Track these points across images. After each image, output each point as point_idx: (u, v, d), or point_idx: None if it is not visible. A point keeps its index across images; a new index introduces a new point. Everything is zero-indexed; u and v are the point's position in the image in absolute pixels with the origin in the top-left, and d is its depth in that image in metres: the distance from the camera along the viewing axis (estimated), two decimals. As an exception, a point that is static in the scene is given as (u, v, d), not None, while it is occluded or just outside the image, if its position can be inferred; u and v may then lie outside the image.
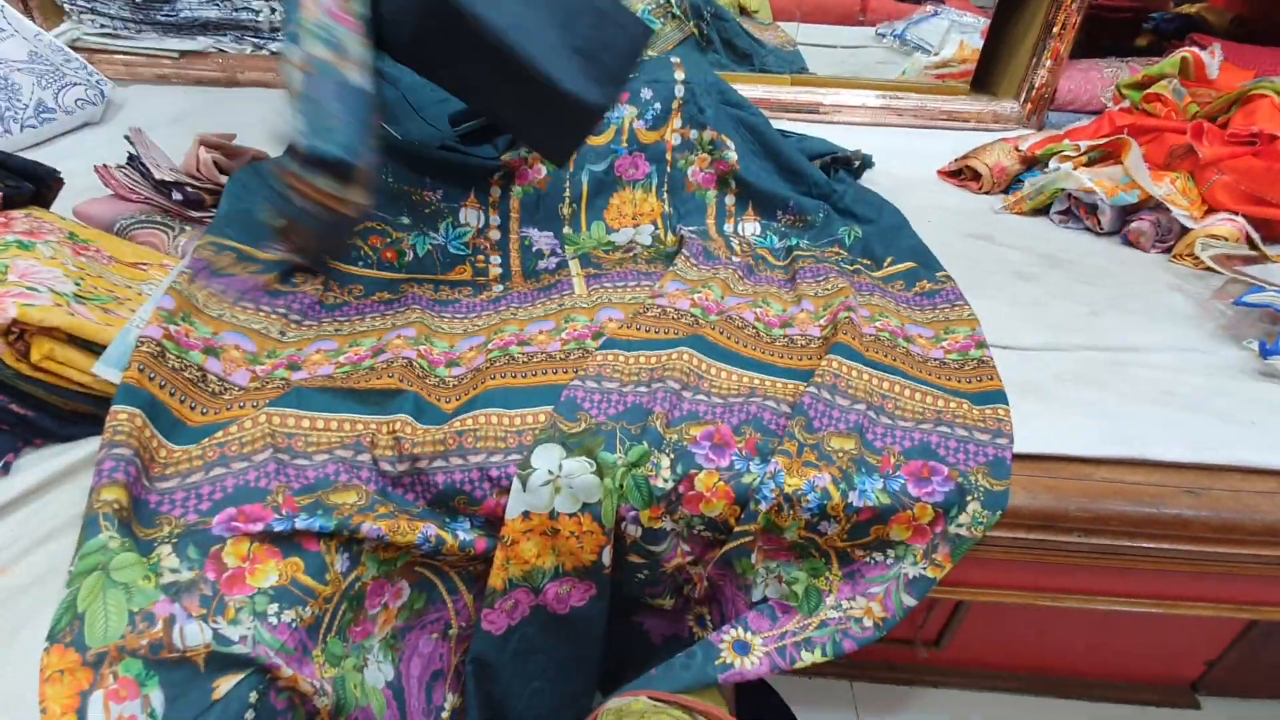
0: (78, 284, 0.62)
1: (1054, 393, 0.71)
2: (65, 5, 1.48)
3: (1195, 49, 1.24)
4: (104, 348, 0.58)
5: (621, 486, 0.59)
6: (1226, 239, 1.02)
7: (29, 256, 0.61)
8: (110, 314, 0.61)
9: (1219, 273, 0.95)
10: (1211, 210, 1.07)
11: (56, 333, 0.56)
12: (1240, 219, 1.03)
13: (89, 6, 1.46)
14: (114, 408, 0.54)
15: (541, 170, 0.91)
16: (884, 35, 2.10)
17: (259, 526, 0.50)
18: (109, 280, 0.66)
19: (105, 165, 0.93)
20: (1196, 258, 1.00)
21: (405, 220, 0.85)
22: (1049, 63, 1.36)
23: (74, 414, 0.60)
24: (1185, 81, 1.22)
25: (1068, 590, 0.68)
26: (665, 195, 0.96)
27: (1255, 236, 1.02)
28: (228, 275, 0.71)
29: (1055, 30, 1.33)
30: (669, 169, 0.96)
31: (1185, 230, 1.05)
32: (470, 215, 0.89)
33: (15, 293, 0.56)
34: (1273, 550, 0.58)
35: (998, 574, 0.65)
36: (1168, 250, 1.06)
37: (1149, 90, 1.21)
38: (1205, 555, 0.59)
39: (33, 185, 0.72)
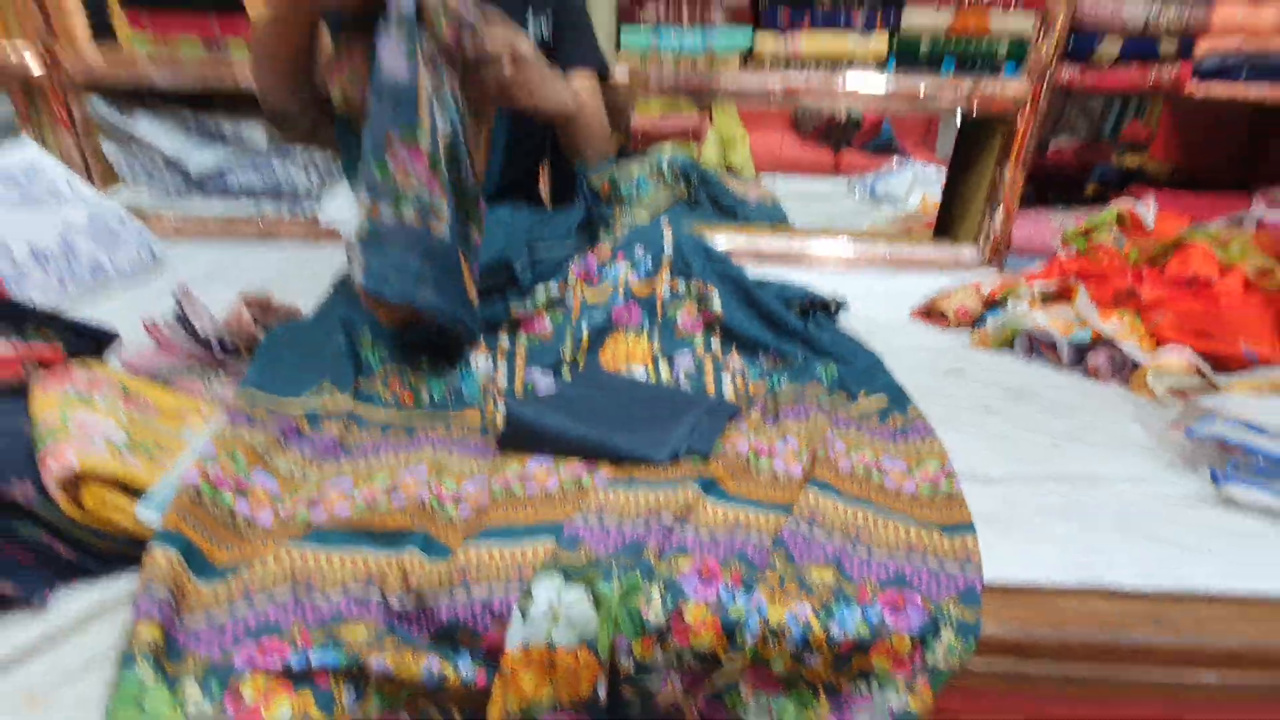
0: (128, 434, 0.69)
1: (1020, 523, 0.76)
2: (124, 175, 1.68)
3: (1130, 203, 1.40)
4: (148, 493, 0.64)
5: (616, 618, 0.63)
6: (1177, 371, 1.10)
7: (86, 409, 0.69)
8: (155, 462, 0.68)
9: (1174, 403, 1.03)
10: (1161, 344, 1.16)
11: (108, 480, 0.63)
12: (1188, 351, 1.12)
13: (147, 175, 1.65)
14: (152, 549, 0.59)
15: (547, 323, 1.01)
16: (856, 188, 2.34)
17: (277, 662, 0.54)
18: (155, 430, 0.73)
19: (153, 321, 1.04)
20: (1151, 389, 1.08)
21: (423, 364, 0.95)
22: (1001, 215, 1.51)
23: (113, 555, 0.65)
24: (1124, 230, 1.37)
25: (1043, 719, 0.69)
26: (657, 339, 1.06)
27: (1204, 368, 1.10)
28: (261, 422, 0.79)
29: (1004, 188, 1.49)
30: (660, 316, 1.07)
31: (1138, 364, 1.13)
32: (481, 360, 0.98)
33: (76, 443, 0.63)
34: (1236, 675, 0.61)
35: (977, 703, 0.66)
36: (1126, 382, 1.14)
37: (1092, 239, 1.35)
38: (1171, 682, 0.61)
39: (93, 343, 0.82)
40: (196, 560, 0.62)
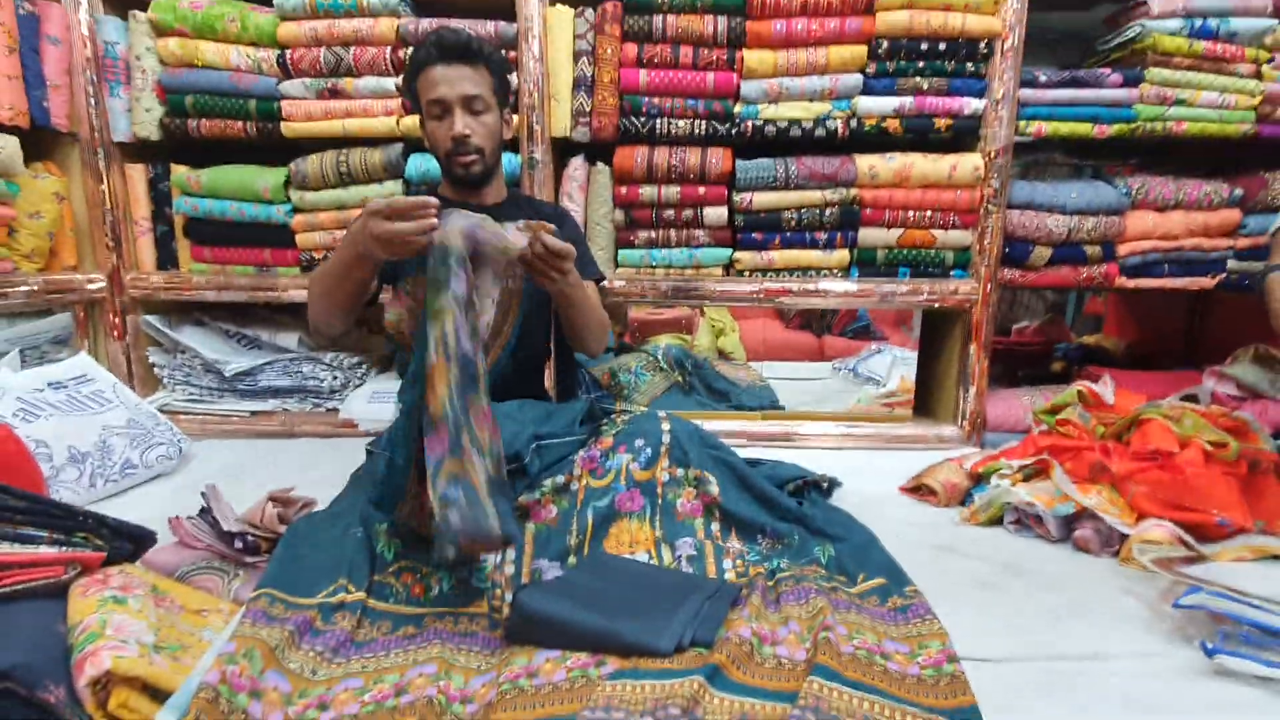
0: (156, 633, 0.72)
1: (1024, 705, 0.76)
2: (164, 379, 1.81)
3: (1088, 383, 1.52)
4: (170, 694, 0.66)
5: None
6: (1160, 542, 1.14)
7: (122, 611, 0.73)
8: (179, 662, 0.70)
9: (1162, 575, 1.06)
10: (1142, 516, 1.20)
11: (136, 682, 0.65)
12: (1169, 523, 1.17)
13: (185, 380, 1.79)
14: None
15: (554, 510, 1.07)
16: (840, 369, 2.51)
17: None
18: (180, 629, 0.76)
19: (177, 517, 1.09)
20: (1139, 561, 1.11)
21: (435, 560, 0.99)
22: (973, 394, 1.63)
23: (125, 763, 0.65)
24: (1087, 407, 1.47)
25: None
26: (658, 523, 1.11)
27: (1188, 539, 1.14)
28: (279, 619, 0.82)
29: (971, 370, 1.63)
30: (660, 501, 1.13)
31: (1124, 535, 1.17)
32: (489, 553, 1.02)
33: (110, 645, 0.66)
34: None
35: None
36: (1115, 553, 1.17)
37: (1060, 416, 1.45)
38: None
39: (131, 545, 0.87)
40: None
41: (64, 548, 0.79)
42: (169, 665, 0.69)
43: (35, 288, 1.60)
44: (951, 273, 1.63)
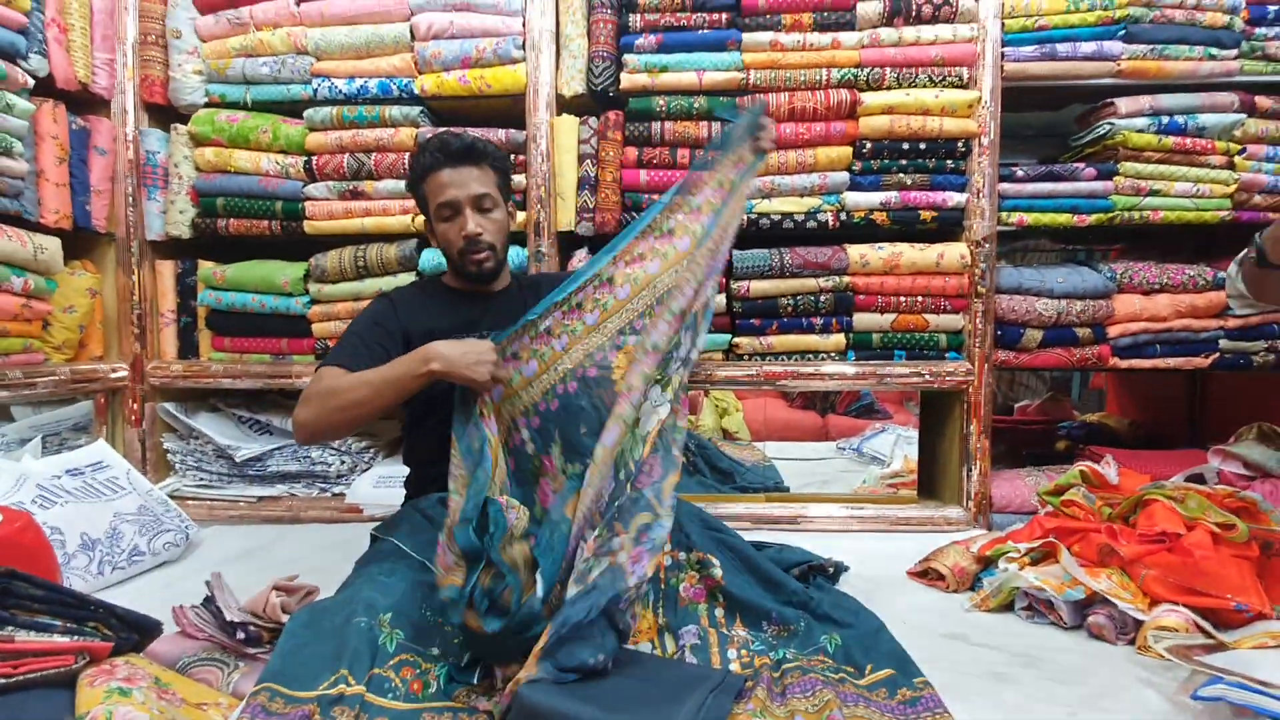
0: (157, 728, 0.72)
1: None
2: (176, 465, 1.85)
3: (1090, 463, 1.52)
4: (167, 792, 0.66)
5: None
6: (1176, 629, 1.11)
7: (126, 703, 0.73)
8: (178, 756, 0.70)
9: (1181, 663, 1.03)
10: (1155, 601, 1.18)
11: (134, 779, 0.65)
12: (1183, 609, 1.14)
13: (196, 465, 1.82)
14: None
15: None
16: (844, 449, 2.51)
17: None
18: (180, 722, 0.76)
19: (180, 606, 1.09)
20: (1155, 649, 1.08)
21: (435, 651, 0.98)
22: (977, 474, 1.63)
23: None
24: (1091, 488, 1.47)
25: None
26: (660, 610, 1.10)
27: (1206, 625, 1.11)
28: (278, 715, 0.81)
29: (973, 450, 1.64)
30: (663, 586, 1.12)
31: (1139, 621, 1.15)
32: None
33: (112, 740, 0.66)
34: None
35: None
36: (1132, 641, 1.14)
37: (1065, 496, 1.45)
38: None
39: (137, 636, 0.87)
40: None
41: (75, 637, 0.80)
42: (168, 761, 0.69)
43: (62, 378, 1.66)
44: (946, 354, 1.67)
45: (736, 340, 1.68)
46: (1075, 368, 1.72)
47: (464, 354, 1.09)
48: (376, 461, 1.86)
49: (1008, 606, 1.27)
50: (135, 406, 1.81)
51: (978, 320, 1.63)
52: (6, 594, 0.78)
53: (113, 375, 1.77)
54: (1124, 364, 1.71)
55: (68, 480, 1.44)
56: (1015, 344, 1.67)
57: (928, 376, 1.64)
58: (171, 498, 1.60)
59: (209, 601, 1.10)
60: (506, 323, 1.41)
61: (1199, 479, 1.54)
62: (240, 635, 1.02)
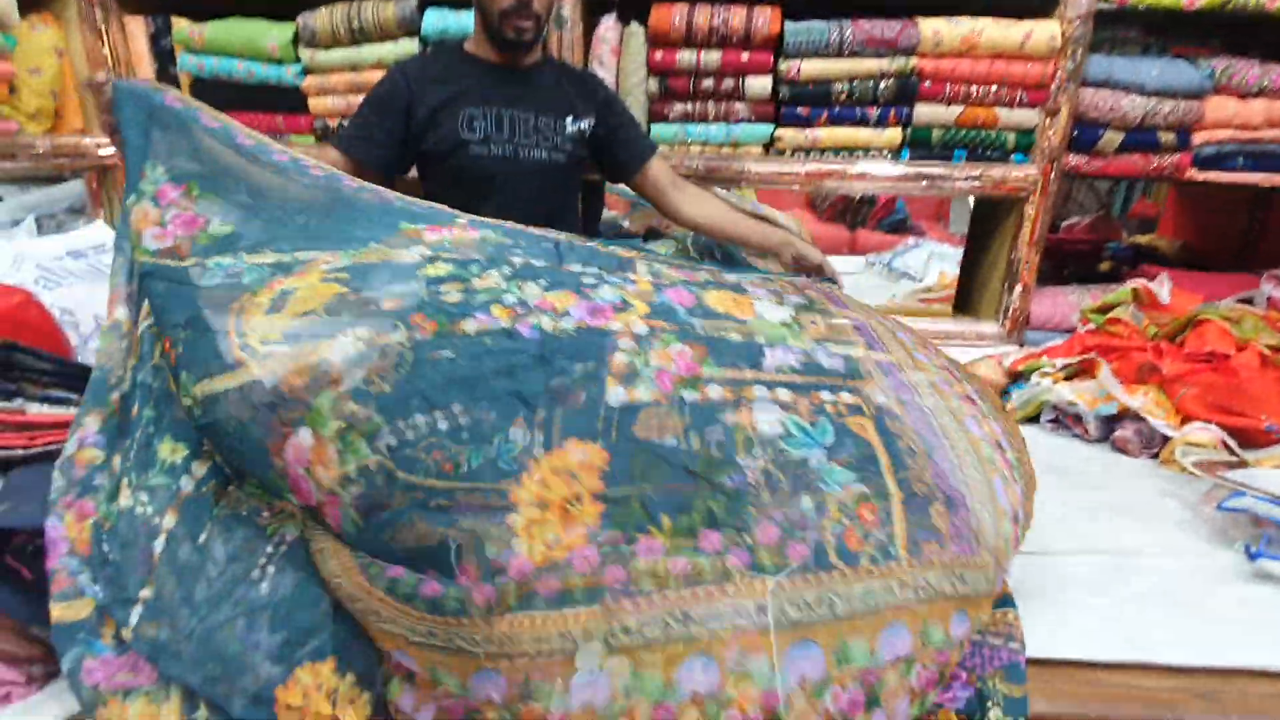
0: (193, 496, 0.72)
1: (1059, 597, 0.75)
2: (183, 252, 1.78)
3: (1145, 281, 1.43)
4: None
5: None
6: (1205, 446, 1.10)
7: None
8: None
9: (1202, 478, 1.03)
10: (1187, 419, 1.17)
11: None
12: (1214, 427, 1.13)
13: (203, 254, 1.75)
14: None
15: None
16: (873, 264, 2.42)
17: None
18: (216, 492, 0.76)
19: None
20: (1181, 463, 1.08)
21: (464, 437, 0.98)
22: (1019, 291, 1.56)
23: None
24: (1141, 307, 1.40)
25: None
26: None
27: (1232, 443, 1.10)
28: None
29: (1020, 266, 1.55)
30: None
31: (1167, 438, 1.14)
32: (517, 434, 1.01)
33: (148, 505, 0.66)
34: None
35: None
36: (1155, 456, 1.14)
37: (1110, 315, 1.39)
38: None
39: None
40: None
41: (94, 409, 0.78)
42: (207, 526, 0.69)
43: (42, 150, 1.53)
44: (1012, 156, 1.50)
45: (779, 132, 1.51)
46: (1150, 177, 1.56)
47: None
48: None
49: (1033, 419, 1.26)
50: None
51: (1057, 116, 1.44)
52: (9, 366, 0.75)
53: (100, 152, 1.64)
54: (1201, 176, 1.55)
55: (70, 262, 1.38)
56: (1091, 147, 1.50)
57: (986, 181, 1.49)
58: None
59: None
60: (551, 110, 1.27)
61: (1248, 303, 1.47)
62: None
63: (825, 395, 0.72)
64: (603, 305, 0.74)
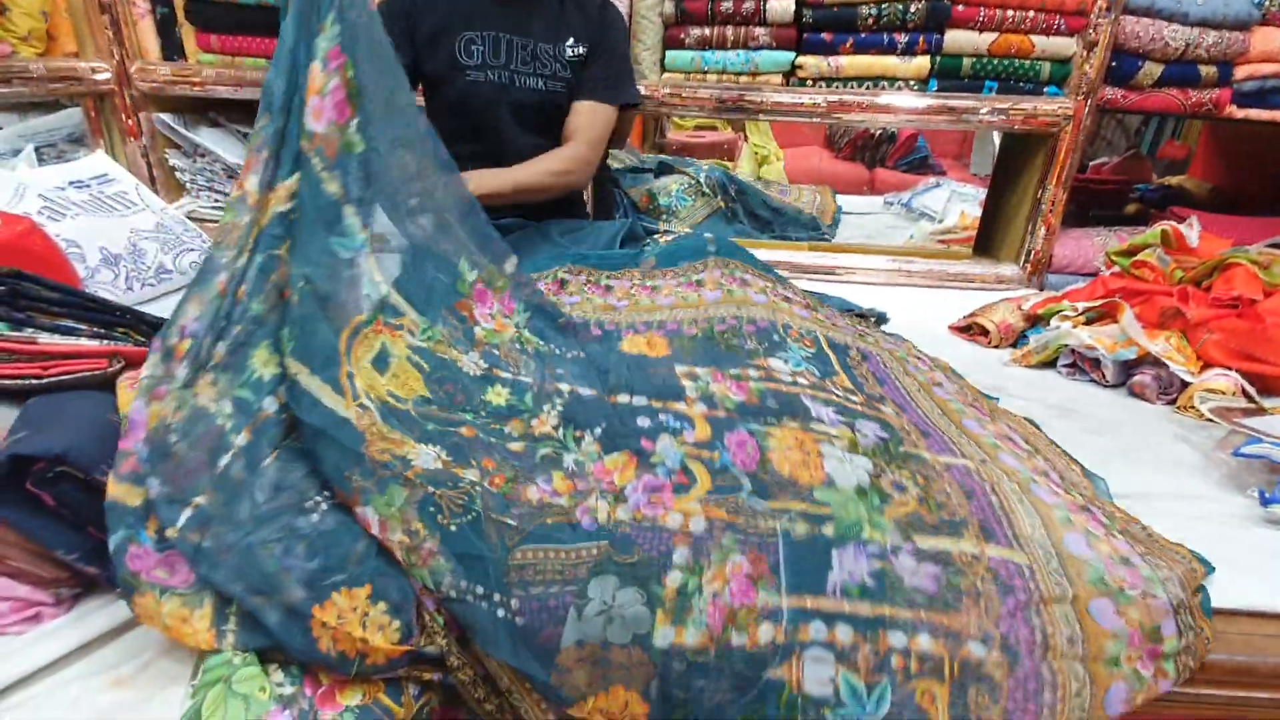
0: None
1: (1069, 538, 0.76)
2: (186, 184, 1.75)
3: (1174, 223, 1.39)
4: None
5: (669, 618, 0.64)
6: (1224, 392, 1.09)
7: (171, 404, 0.73)
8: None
9: (1221, 423, 1.02)
10: (1207, 365, 1.15)
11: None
12: (1234, 374, 1.11)
13: (208, 185, 1.72)
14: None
15: (599, 331, 1.03)
16: (891, 204, 2.35)
17: (349, 649, 0.57)
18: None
19: (216, 321, 1.08)
20: (1198, 409, 1.07)
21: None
22: (1043, 232, 1.51)
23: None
24: (1168, 250, 1.36)
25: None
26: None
27: (1250, 390, 1.09)
28: None
29: (1045, 206, 1.50)
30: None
31: (1185, 384, 1.13)
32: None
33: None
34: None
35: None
36: (1172, 402, 1.13)
37: (1136, 258, 1.35)
38: (1217, 698, 0.61)
39: (172, 342, 0.86)
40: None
41: (105, 341, 0.78)
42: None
43: (38, 75, 1.48)
44: (1045, 89, 1.43)
45: (801, 59, 1.44)
46: (1188, 113, 1.49)
47: None
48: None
49: (1049, 364, 1.25)
50: (130, 120, 1.65)
51: (1097, 45, 1.36)
52: (17, 295, 0.74)
53: (96, 77, 1.59)
54: (1240, 113, 1.48)
55: (73, 192, 1.35)
56: (1129, 80, 1.42)
57: (1016, 115, 1.42)
58: (190, 219, 1.54)
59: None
60: (551, 36, 1.21)
61: (1276, 247, 1.43)
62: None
63: (895, 640, 0.58)
64: (660, 482, 0.69)
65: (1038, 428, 0.99)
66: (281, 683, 0.53)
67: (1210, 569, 0.69)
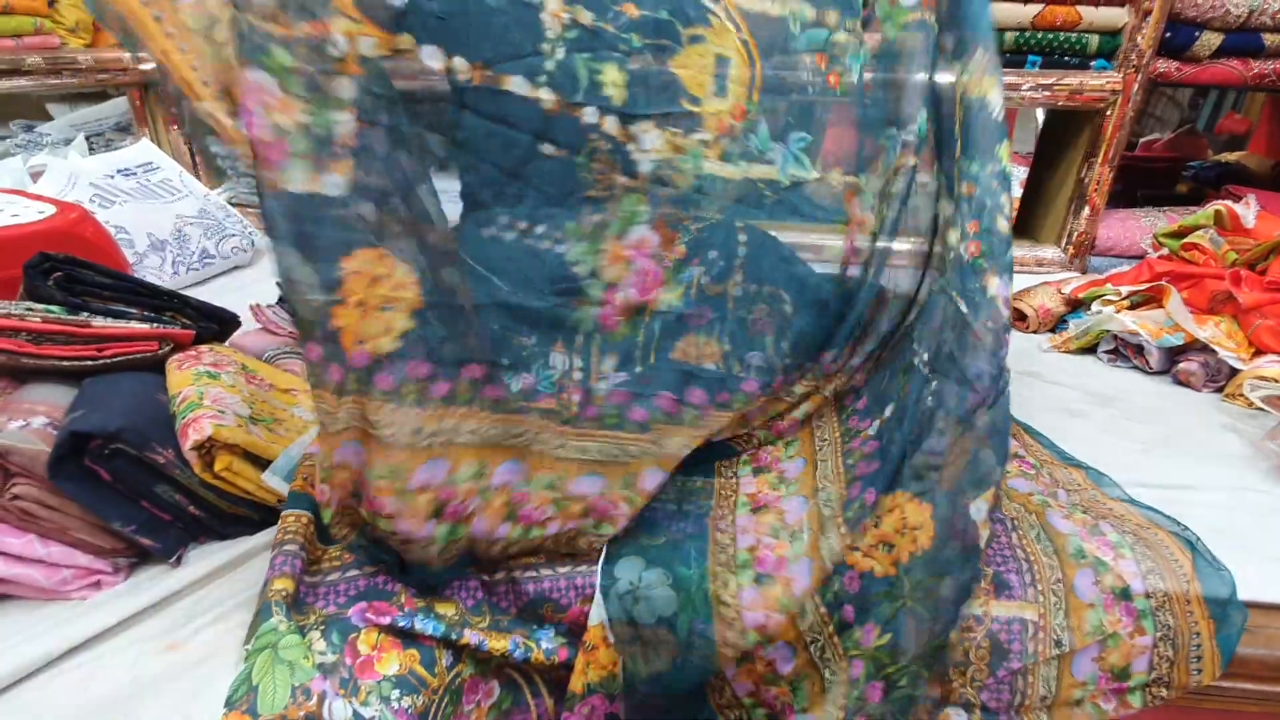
0: (251, 407, 0.75)
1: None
2: (227, 170, 1.80)
3: (1229, 202, 1.33)
4: (269, 461, 0.71)
5: (694, 601, 0.65)
6: (1276, 380, 1.05)
7: (217, 385, 0.76)
8: (274, 433, 0.74)
9: (1271, 413, 0.98)
10: (1259, 352, 1.10)
11: (236, 449, 0.69)
12: (1289, 361, 1.07)
13: (246, 171, 1.76)
14: (285, 511, 0.65)
15: (621, 319, 1.04)
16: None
17: (386, 620, 0.59)
18: (272, 405, 0.80)
19: (258, 304, 1.12)
20: (1248, 398, 1.03)
21: (505, 362, 0.99)
22: (1086, 213, 1.46)
23: (234, 516, 0.72)
24: (1222, 231, 1.30)
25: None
26: (726, 339, 1.07)
27: (1307, 378, 1.04)
28: None
29: (1090, 186, 1.44)
30: (730, 317, 1.08)
31: (1235, 371, 1.08)
32: (557, 359, 1.02)
33: (210, 415, 0.69)
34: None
35: None
36: (1219, 390, 1.09)
37: (1186, 239, 1.29)
38: (1261, 694, 0.59)
39: (217, 326, 0.89)
40: (320, 522, 0.68)
41: (154, 324, 0.81)
42: (265, 436, 0.73)
43: (85, 65, 1.53)
44: (1093, 63, 1.37)
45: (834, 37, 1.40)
46: (1248, 86, 1.42)
47: None
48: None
49: (1090, 350, 1.21)
50: (172, 107, 1.70)
51: (1151, 14, 1.30)
52: (72, 280, 0.77)
53: (140, 66, 1.63)
54: (1308, 85, 1.40)
55: (121, 181, 1.40)
56: (1184, 51, 1.35)
57: (1060, 91, 1.37)
58: (231, 205, 1.58)
59: (283, 302, 1.12)
60: None
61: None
62: (316, 333, 1.05)
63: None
64: None
65: (1024, 430, 0.95)
66: (323, 651, 0.56)
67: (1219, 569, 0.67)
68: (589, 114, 0.72)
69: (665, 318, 1.03)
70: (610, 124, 0.75)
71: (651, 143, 0.78)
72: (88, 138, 1.72)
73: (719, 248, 1.08)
